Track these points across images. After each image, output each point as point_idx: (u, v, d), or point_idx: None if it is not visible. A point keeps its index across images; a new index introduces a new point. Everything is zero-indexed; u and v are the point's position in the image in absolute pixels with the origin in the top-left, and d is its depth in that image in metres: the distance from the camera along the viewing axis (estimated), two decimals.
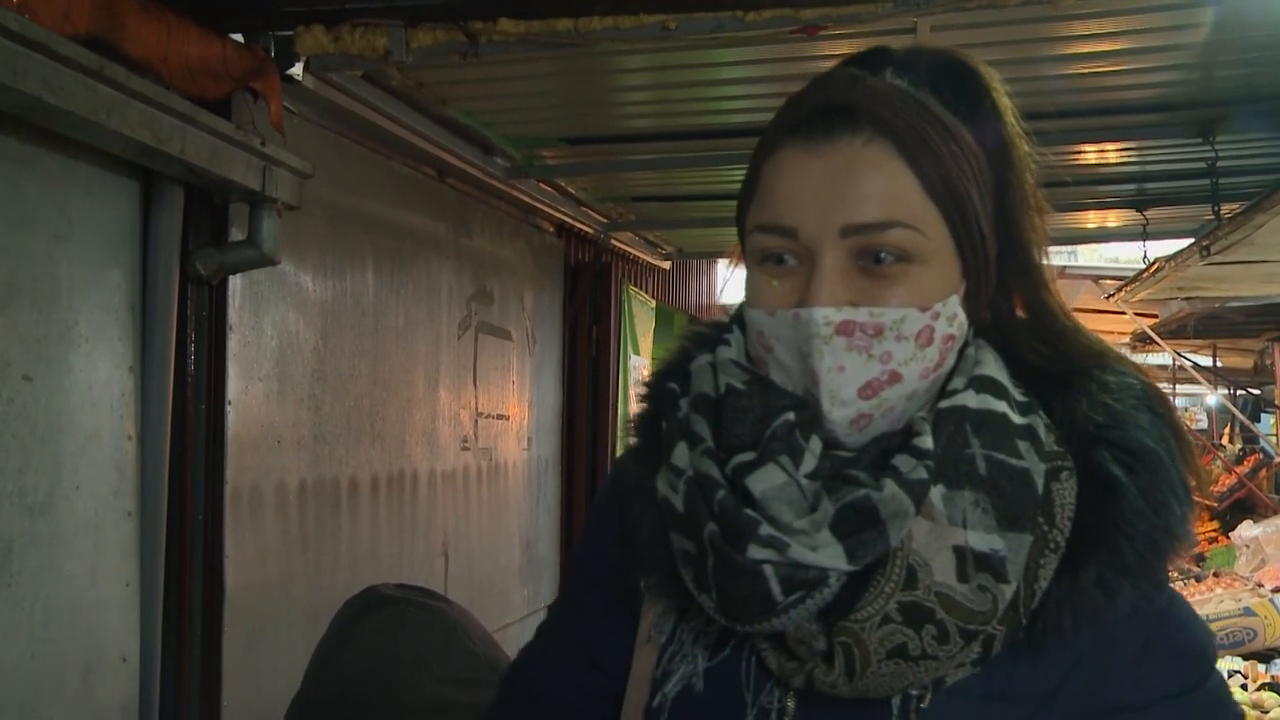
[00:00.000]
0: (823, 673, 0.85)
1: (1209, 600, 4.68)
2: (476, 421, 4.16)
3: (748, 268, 0.93)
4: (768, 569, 0.83)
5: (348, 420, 3.23)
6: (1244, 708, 3.87)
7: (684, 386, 0.96)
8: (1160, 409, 0.91)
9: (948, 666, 0.85)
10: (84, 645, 2.23)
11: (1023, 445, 0.87)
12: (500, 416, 4.40)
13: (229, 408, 2.67)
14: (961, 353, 0.93)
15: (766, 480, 0.85)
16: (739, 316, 0.97)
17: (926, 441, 0.86)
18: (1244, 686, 4.10)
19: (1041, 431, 0.89)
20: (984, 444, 0.87)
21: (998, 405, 0.89)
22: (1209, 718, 0.91)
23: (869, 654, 0.83)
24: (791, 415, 0.87)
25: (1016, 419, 0.89)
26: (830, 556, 0.83)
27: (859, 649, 0.84)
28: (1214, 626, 4.49)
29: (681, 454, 0.91)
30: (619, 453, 1.09)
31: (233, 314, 2.68)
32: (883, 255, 0.86)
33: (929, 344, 0.88)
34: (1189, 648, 0.92)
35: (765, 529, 0.83)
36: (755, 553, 0.83)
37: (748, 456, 0.87)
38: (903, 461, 0.85)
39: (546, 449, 4.98)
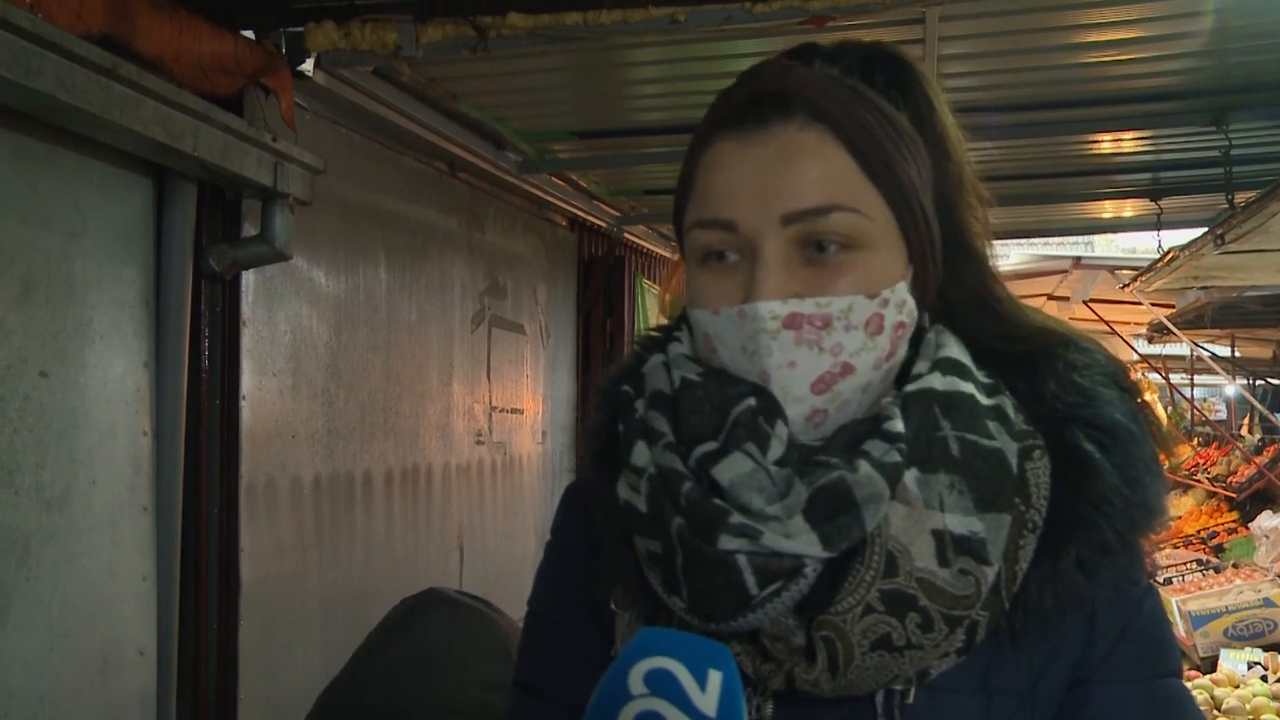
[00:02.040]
0: (804, 670, 0.82)
1: (1228, 591, 4.67)
2: (490, 415, 4.17)
3: (688, 268, 0.91)
4: (741, 559, 0.80)
5: (361, 415, 3.24)
6: (1264, 699, 3.86)
7: (638, 388, 0.94)
8: (1126, 384, 0.90)
9: (932, 656, 0.83)
10: (101, 639, 2.25)
11: (993, 426, 0.86)
12: (514, 410, 4.42)
13: (243, 403, 2.69)
14: (921, 338, 0.91)
15: (733, 469, 0.82)
16: (686, 319, 0.95)
17: (897, 425, 0.84)
18: (1264, 678, 4.08)
19: (1010, 411, 0.88)
20: (955, 425, 0.85)
21: (965, 386, 0.87)
22: (1169, 710, 0.89)
23: (852, 647, 0.81)
24: (753, 401, 0.85)
25: (984, 400, 0.88)
26: (805, 544, 0.80)
27: (841, 642, 0.81)
28: (1233, 618, 4.49)
29: (641, 452, 0.88)
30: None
31: (246, 309, 2.70)
32: (825, 243, 0.84)
33: (879, 332, 0.86)
34: (1159, 640, 0.91)
35: (736, 517, 0.81)
36: (726, 543, 0.80)
37: (710, 446, 0.84)
38: (874, 446, 0.83)
39: (560, 443, 4.99)
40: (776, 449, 0.84)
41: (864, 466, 0.82)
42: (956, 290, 0.93)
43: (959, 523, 0.82)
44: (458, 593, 1.98)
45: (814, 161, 0.85)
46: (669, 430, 0.88)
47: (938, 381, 0.87)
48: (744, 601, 0.81)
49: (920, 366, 0.89)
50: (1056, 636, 0.87)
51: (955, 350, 0.90)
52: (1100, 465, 0.85)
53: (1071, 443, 0.86)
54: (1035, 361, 0.91)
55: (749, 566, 0.81)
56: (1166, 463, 0.89)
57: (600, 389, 1.01)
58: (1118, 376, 0.90)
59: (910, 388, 0.87)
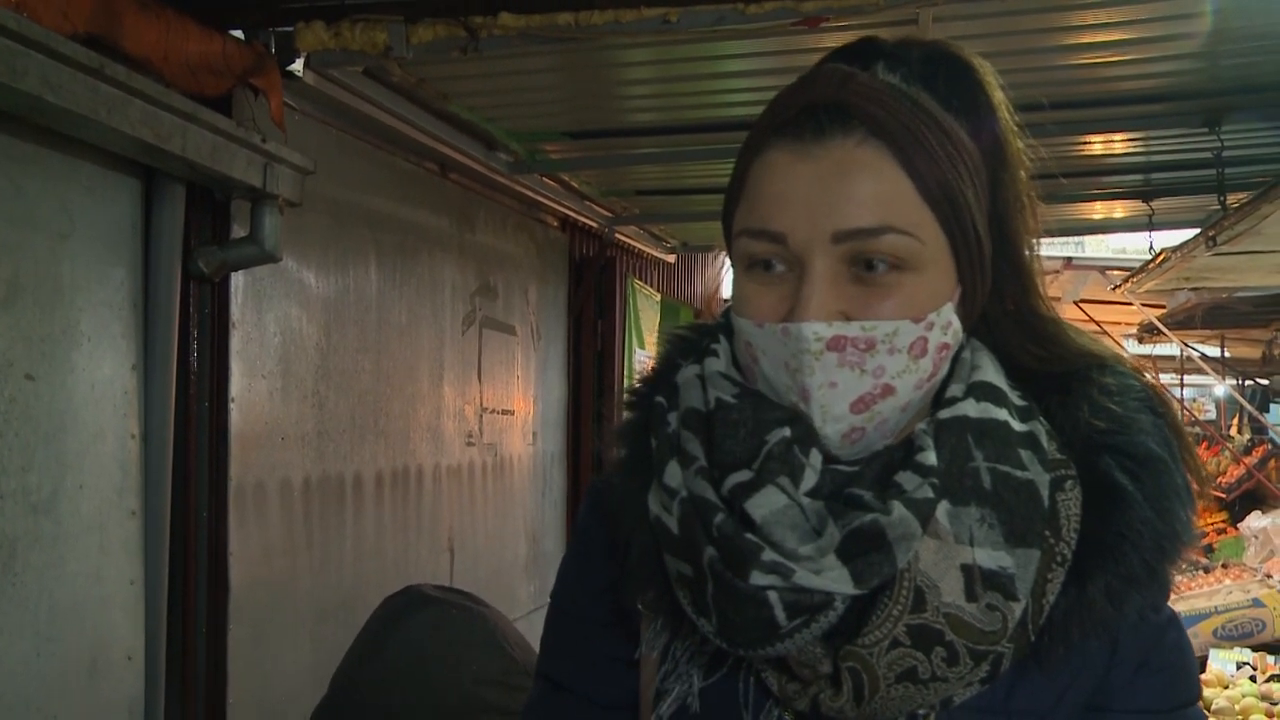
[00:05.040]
0: (830, 697, 0.83)
1: (1217, 592, 4.67)
2: (481, 417, 4.16)
3: (734, 273, 0.89)
4: (772, 595, 0.80)
5: (352, 416, 3.23)
6: (1253, 700, 3.86)
7: (671, 400, 0.93)
8: (1161, 410, 0.89)
9: (957, 687, 0.83)
10: (89, 643, 2.23)
11: (1025, 455, 0.85)
12: (505, 411, 4.40)
13: (232, 405, 2.67)
14: (957, 356, 0.90)
15: (766, 504, 0.82)
16: (726, 325, 0.93)
17: (930, 457, 0.83)
18: (1253, 678, 4.08)
19: (1043, 439, 0.87)
20: (987, 456, 0.84)
21: (999, 414, 0.86)
22: None
23: (878, 679, 0.81)
24: (787, 431, 0.84)
25: (1018, 426, 0.87)
26: (836, 580, 0.80)
27: (867, 674, 0.81)
28: (1222, 618, 4.48)
29: (674, 473, 0.88)
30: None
31: (235, 311, 2.68)
32: (875, 263, 0.83)
33: (922, 355, 0.85)
34: (1181, 670, 0.91)
35: (769, 554, 0.80)
36: (759, 579, 0.80)
37: (744, 476, 0.84)
38: (907, 479, 0.83)
39: (552, 444, 4.98)
40: (810, 479, 0.83)
41: (898, 508, 0.81)
42: (998, 306, 0.92)
43: (988, 557, 0.82)
44: (437, 588, 1.97)
45: (870, 180, 0.82)
46: (702, 454, 0.87)
47: (971, 408, 0.86)
48: (772, 631, 0.81)
49: (954, 390, 0.88)
50: (1080, 659, 0.87)
51: (990, 373, 0.89)
52: (1131, 496, 0.84)
53: (1104, 473, 0.85)
54: (1069, 383, 0.90)
55: (779, 602, 0.80)
56: (1198, 487, 0.88)
57: (631, 390, 1.00)
58: (1152, 401, 0.89)
59: (943, 414, 0.86)
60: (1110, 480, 0.85)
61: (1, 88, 1.80)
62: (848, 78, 0.85)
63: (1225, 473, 7.27)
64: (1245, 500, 6.77)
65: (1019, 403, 0.89)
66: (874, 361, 0.83)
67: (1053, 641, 0.84)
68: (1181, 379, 10.22)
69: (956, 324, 0.88)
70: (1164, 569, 0.86)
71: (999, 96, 0.90)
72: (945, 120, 0.85)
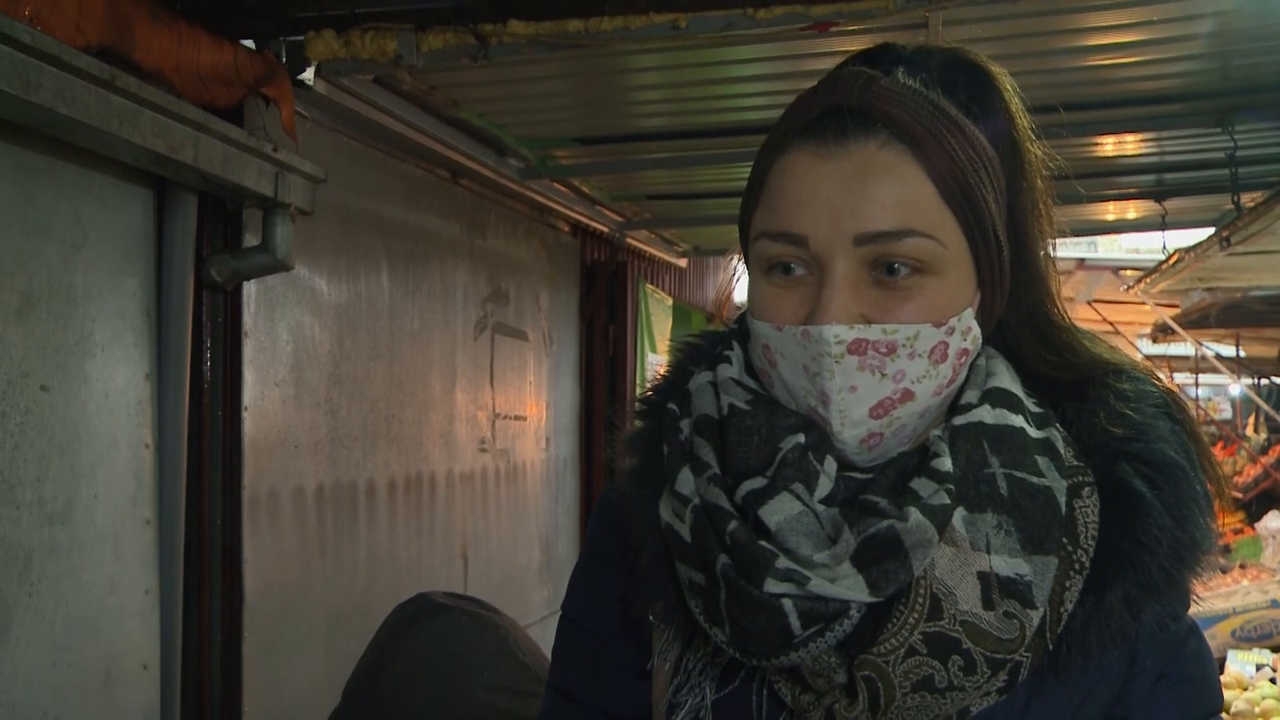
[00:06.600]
0: (844, 707, 0.82)
1: (1235, 593, 4.64)
2: (494, 422, 4.16)
3: (752, 275, 0.89)
4: (787, 603, 0.79)
5: (365, 423, 3.23)
6: (1273, 702, 3.83)
7: (684, 407, 0.92)
8: (1180, 416, 0.88)
9: (974, 697, 0.82)
10: (104, 653, 2.23)
11: (1042, 462, 0.84)
12: (518, 417, 4.40)
13: (245, 413, 2.68)
14: (972, 363, 0.89)
15: (780, 511, 0.81)
16: (739, 331, 0.93)
17: (946, 464, 0.82)
18: (1273, 680, 4.06)
19: (1060, 445, 0.86)
20: (1003, 462, 0.83)
21: (1014, 420, 0.86)
22: None
23: (894, 688, 0.80)
24: (801, 437, 0.83)
25: (1034, 433, 0.86)
26: (851, 588, 0.79)
27: (883, 683, 0.80)
28: (1240, 619, 4.45)
29: (686, 480, 0.87)
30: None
31: (248, 320, 2.69)
32: (897, 266, 0.82)
33: (943, 360, 0.84)
34: (1201, 681, 0.91)
35: (783, 562, 0.79)
36: (773, 586, 0.79)
37: (757, 483, 0.83)
38: (922, 485, 0.82)
39: (565, 449, 4.98)
40: (824, 486, 0.83)
41: (914, 514, 0.80)
42: (1014, 312, 0.92)
43: (1005, 565, 0.81)
44: (447, 595, 1.97)
45: (893, 183, 0.82)
46: (714, 461, 0.86)
47: (987, 415, 0.85)
48: (786, 640, 0.81)
49: (970, 396, 0.87)
50: (1098, 669, 0.86)
51: (1005, 380, 0.88)
52: (1150, 503, 0.83)
53: (1122, 480, 0.85)
54: (1085, 389, 0.89)
55: (794, 610, 0.80)
56: (1217, 495, 0.87)
57: (642, 399, 0.99)
58: (1170, 408, 0.89)
59: (959, 420, 0.85)
60: (1128, 487, 0.84)
61: (15, 101, 1.80)
62: (871, 80, 0.85)
63: (1242, 472, 7.23)
64: (1262, 500, 6.74)
65: (1035, 409, 0.88)
66: (894, 366, 0.82)
67: (1071, 651, 0.83)
68: (1196, 378, 10.18)
69: (976, 330, 0.87)
70: (1183, 577, 0.85)
71: (1016, 103, 0.90)
72: (966, 125, 0.85)
